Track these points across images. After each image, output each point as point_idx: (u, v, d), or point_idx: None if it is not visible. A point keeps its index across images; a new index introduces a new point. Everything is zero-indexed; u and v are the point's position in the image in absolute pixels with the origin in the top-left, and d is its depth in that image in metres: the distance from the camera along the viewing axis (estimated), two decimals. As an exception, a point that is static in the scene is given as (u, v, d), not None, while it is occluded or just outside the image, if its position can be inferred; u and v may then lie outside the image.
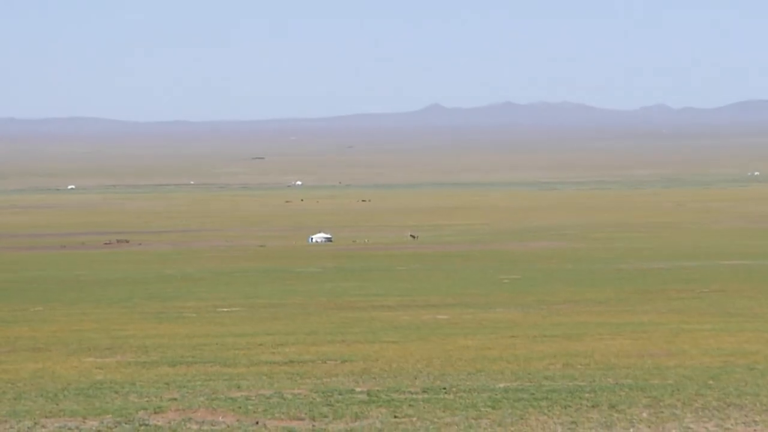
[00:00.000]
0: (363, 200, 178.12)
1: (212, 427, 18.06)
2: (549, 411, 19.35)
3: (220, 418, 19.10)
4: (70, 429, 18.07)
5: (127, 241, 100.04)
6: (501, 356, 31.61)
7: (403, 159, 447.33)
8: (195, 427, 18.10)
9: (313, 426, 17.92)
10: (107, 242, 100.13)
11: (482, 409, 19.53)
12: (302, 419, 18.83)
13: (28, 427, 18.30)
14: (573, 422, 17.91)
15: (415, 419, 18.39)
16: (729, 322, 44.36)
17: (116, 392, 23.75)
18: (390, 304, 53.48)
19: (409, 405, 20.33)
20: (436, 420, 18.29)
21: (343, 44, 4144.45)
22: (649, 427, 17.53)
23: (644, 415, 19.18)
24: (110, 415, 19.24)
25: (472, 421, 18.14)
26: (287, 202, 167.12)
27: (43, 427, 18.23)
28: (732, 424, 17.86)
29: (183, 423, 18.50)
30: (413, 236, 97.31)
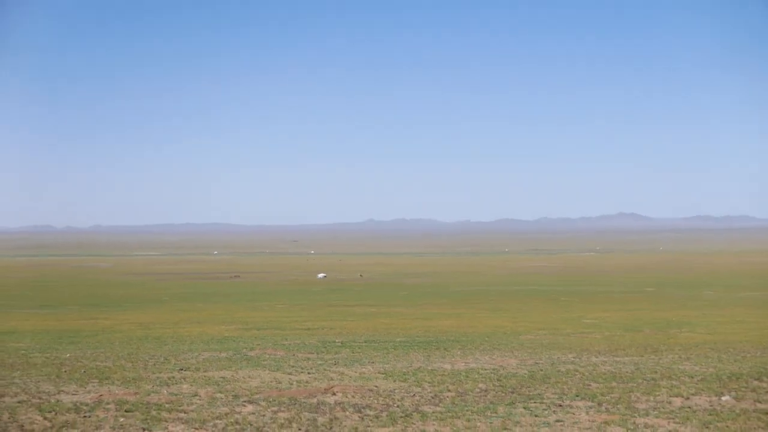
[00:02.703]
0: (340, 259, 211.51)
1: (275, 354, 30.80)
2: (417, 351, 32.68)
3: (279, 352, 31.61)
4: (213, 356, 30.66)
5: (239, 276, 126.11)
6: (399, 327, 48.47)
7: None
8: (268, 355, 30.64)
9: (318, 356, 30.44)
10: (231, 276, 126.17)
11: (391, 350, 32.88)
12: (313, 353, 31.13)
13: (197, 354, 31.31)
14: (428, 355, 30.22)
15: (362, 355, 30.80)
16: (498, 313, 62.53)
17: (233, 341, 38.25)
18: (351, 304, 72.99)
19: (359, 348, 34.01)
20: (370, 354, 31.00)
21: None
22: (461, 357, 29.56)
23: (458, 352, 31.86)
24: (231, 351, 32.44)
25: (386, 355, 30.81)
26: (308, 258, 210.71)
27: (202, 353, 31.33)
28: (496, 356, 29.90)
29: (262, 354, 31.12)
30: (361, 275, 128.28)
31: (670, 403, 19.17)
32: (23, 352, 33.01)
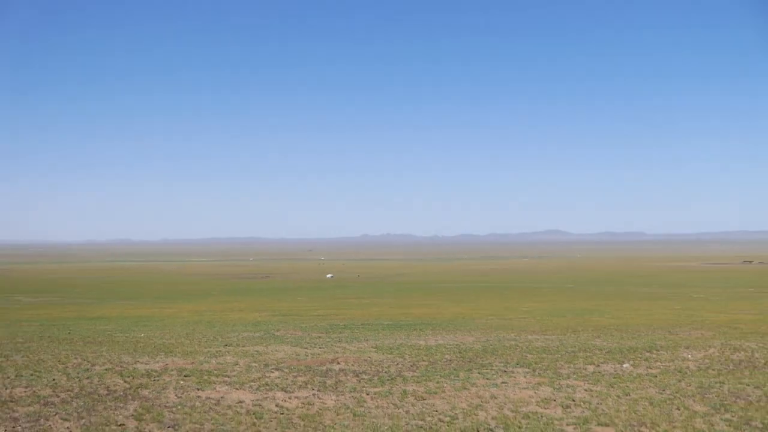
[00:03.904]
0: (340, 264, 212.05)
1: (295, 334, 30.81)
2: (400, 331, 32.50)
3: (298, 332, 31.63)
4: (249, 335, 30.56)
5: (269, 276, 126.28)
6: (386, 314, 48.09)
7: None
8: (290, 334, 30.56)
9: (326, 335, 30.34)
10: (263, 276, 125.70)
11: (380, 331, 32.87)
12: (323, 333, 31.42)
13: (237, 333, 31.20)
14: (407, 335, 30.36)
15: (359, 334, 30.79)
16: (459, 303, 62.84)
17: (264, 324, 37.90)
18: (351, 297, 73.70)
19: (357, 329, 33.88)
20: (365, 334, 31.00)
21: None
22: (432, 336, 29.37)
23: (429, 332, 31.67)
24: (262, 331, 32.40)
25: (377, 334, 30.75)
26: (320, 263, 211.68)
27: (241, 333, 31.32)
28: (457, 335, 29.44)
29: (285, 334, 31.14)
30: (359, 276, 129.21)
31: (585, 369, 19.22)
32: (109, 332, 33.04)
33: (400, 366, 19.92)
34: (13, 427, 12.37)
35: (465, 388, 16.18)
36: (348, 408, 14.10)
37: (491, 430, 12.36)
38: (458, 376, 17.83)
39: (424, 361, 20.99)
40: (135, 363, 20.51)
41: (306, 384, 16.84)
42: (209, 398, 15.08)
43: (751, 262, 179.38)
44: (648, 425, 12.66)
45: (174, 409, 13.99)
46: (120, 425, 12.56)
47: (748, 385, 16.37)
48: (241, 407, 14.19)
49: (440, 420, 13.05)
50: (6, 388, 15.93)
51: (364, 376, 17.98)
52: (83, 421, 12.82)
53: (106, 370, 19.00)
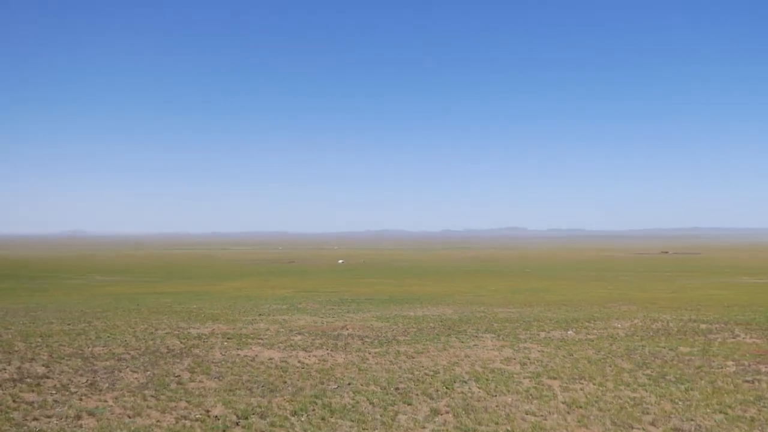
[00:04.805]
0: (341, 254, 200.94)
1: (313, 306, 30.13)
2: (395, 305, 31.81)
3: (315, 305, 30.93)
4: (277, 307, 29.92)
5: (293, 261, 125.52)
6: (385, 291, 46.23)
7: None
8: (309, 307, 29.80)
9: (338, 307, 29.71)
10: (288, 261, 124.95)
11: (380, 304, 32.25)
12: (335, 306, 30.95)
13: (269, 305, 30.36)
14: (401, 307, 29.65)
15: (363, 307, 30.11)
16: (440, 283, 61.47)
17: (289, 298, 37.36)
18: (357, 278, 73.64)
19: (362, 303, 33.17)
20: (368, 307, 30.43)
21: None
22: (420, 308, 28.77)
23: (418, 305, 30.64)
24: (288, 304, 31.84)
25: (377, 307, 30.16)
26: (333, 252, 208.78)
27: (271, 305, 30.71)
28: (440, 308, 28.78)
29: (306, 306, 30.56)
30: (363, 261, 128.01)
31: (538, 334, 19.20)
32: (168, 304, 33.09)
33: (395, 331, 19.88)
34: (93, 377, 12.36)
35: (445, 349, 16.15)
36: (354, 364, 14.06)
37: (465, 381, 12.31)
38: (440, 340, 17.75)
39: (413, 328, 20.93)
40: (189, 328, 20.49)
41: (322, 345, 16.81)
42: (246, 356, 15.02)
43: (667, 252, 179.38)
44: (586, 378, 12.67)
45: (219, 364, 13.95)
46: (176, 376, 12.53)
47: (664, 348, 16.37)
48: (271, 363, 14.15)
49: (425, 374, 13.01)
50: (88, 347, 16.02)
51: (366, 340, 17.95)
52: (148, 373, 12.81)
53: (166, 333, 19.01)
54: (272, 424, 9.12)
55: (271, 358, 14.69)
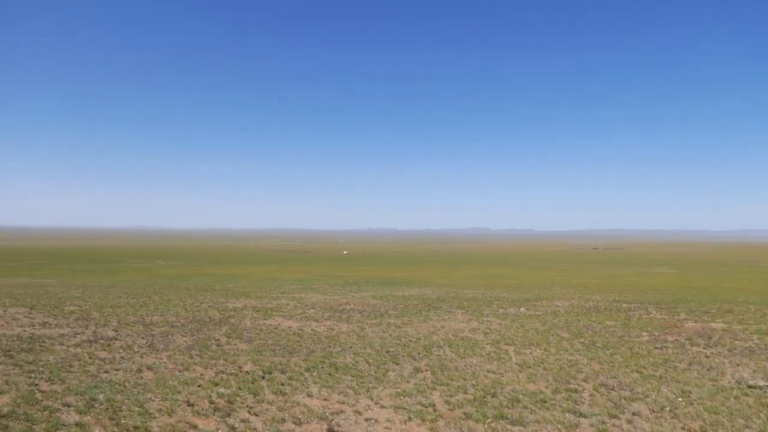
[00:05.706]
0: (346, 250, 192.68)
1: (323, 287, 29.28)
2: (387, 286, 31.11)
3: (325, 286, 30.25)
4: (296, 286, 29.22)
5: (309, 252, 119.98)
6: (380, 275, 44.47)
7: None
8: (320, 287, 29.09)
9: (342, 288, 28.86)
10: (304, 252, 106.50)
11: (376, 285, 31.62)
12: (340, 287, 30.21)
13: (289, 285, 29.77)
14: (392, 288, 28.82)
15: (362, 288, 29.44)
16: (422, 270, 60.74)
17: (305, 281, 36.52)
18: (358, 265, 72.40)
19: (362, 285, 32.38)
20: (366, 287, 29.65)
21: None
22: (406, 289, 28.11)
23: (405, 287, 29.95)
24: (303, 285, 31.04)
25: (373, 288, 29.46)
26: (339, 244, 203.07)
27: (291, 285, 30.01)
28: (422, 289, 28.20)
29: (318, 286, 29.67)
30: (364, 252, 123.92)
31: (498, 311, 18.99)
32: (210, 284, 32.66)
33: (386, 307, 19.66)
34: (151, 339, 12.16)
35: (425, 321, 15.98)
36: (354, 332, 13.89)
37: (441, 346, 12.17)
38: (421, 314, 17.57)
39: (401, 304, 20.68)
40: (226, 302, 20.19)
41: (330, 317, 16.63)
42: (271, 324, 14.80)
43: (597, 248, 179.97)
44: (535, 344, 12.60)
45: (249, 331, 13.73)
46: (216, 340, 12.31)
47: (595, 322, 16.27)
48: (290, 330, 13.94)
49: (410, 340, 12.87)
50: (148, 316, 15.80)
51: (364, 313, 17.76)
52: (194, 337, 12.59)
53: (209, 306, 18.77)
54: (290, 378, 9.06)
55: (290, 327, 14.48)
